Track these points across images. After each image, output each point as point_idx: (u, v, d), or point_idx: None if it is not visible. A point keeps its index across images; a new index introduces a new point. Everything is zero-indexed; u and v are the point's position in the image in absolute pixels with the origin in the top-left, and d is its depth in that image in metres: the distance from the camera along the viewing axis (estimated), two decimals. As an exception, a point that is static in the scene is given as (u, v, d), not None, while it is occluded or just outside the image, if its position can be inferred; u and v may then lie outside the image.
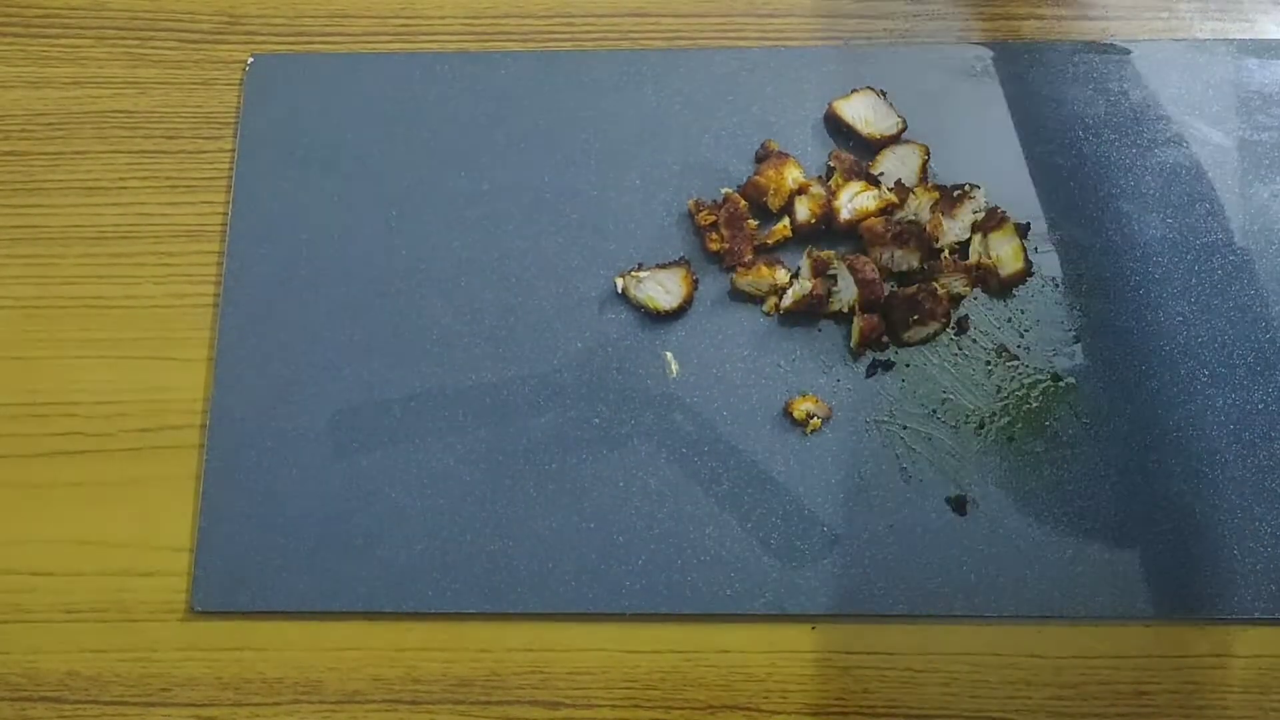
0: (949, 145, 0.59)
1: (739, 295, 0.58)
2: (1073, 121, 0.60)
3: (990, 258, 0.57)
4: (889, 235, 0.56)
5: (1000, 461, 0.55)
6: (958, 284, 0.56)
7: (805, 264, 0.57)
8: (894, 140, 0.59)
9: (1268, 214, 0.58)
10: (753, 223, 0.58)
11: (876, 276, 0.55)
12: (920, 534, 0.54)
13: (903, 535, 0.54)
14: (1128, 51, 0.61)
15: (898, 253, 0.56)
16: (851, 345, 0.56)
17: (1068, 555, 0.53)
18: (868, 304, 0.56)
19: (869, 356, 0.56)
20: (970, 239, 0.57)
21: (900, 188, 0.58)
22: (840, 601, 0.53)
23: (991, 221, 0.57)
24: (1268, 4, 0.62)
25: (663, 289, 0.57)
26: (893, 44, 0.62)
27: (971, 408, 0.56)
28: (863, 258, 0.56)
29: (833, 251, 0.57)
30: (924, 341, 0.56)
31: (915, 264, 0.57)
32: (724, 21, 0.63)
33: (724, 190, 0.58)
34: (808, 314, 0.57)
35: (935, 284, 0.56)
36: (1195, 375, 0.56)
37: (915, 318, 0.55)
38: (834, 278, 0.56)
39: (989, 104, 0.60)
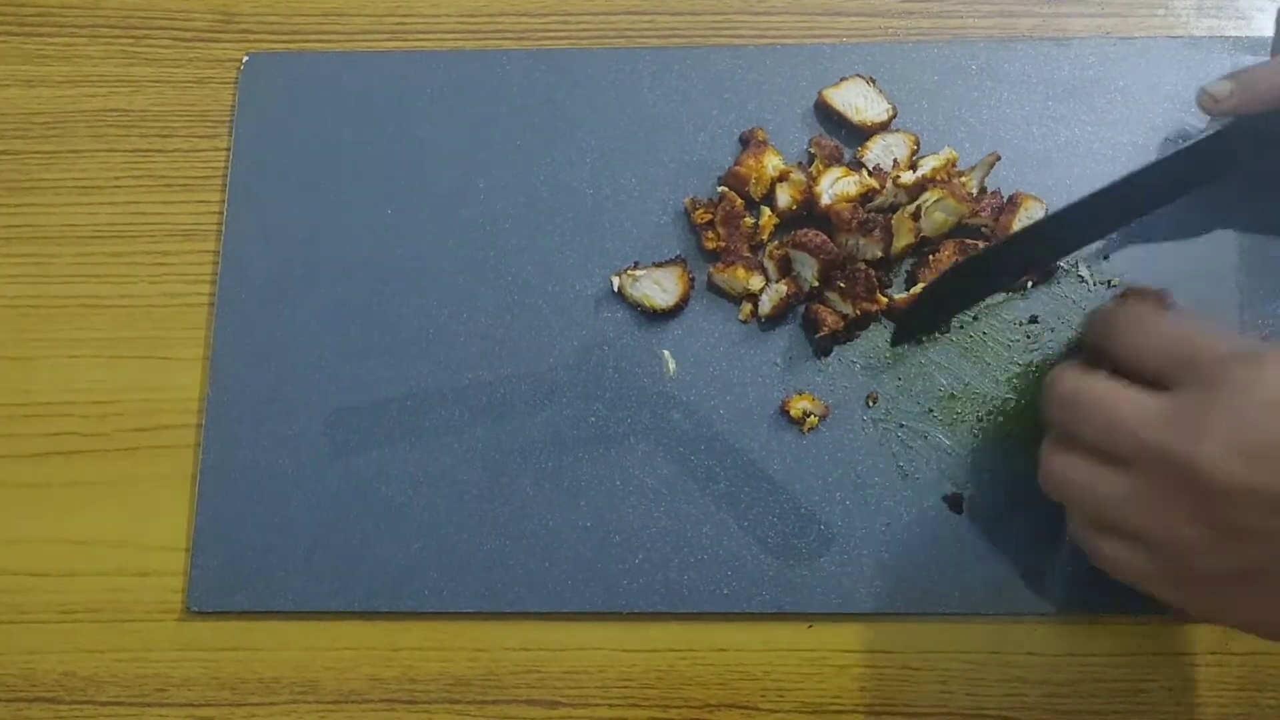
0: (944, 143, 0.59)
1: (714, 289, 0.57)
2: (1069, 119, 0.60)
3: (924, 216, 0.56)
4: (854, 223, 0.55)
5: (997, 459, 0.55)
6: (867, 247, 0.55)
7: (770, 265, 0.57)
8: (884, 128, 0.59)
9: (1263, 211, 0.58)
10: (749, 220, 0.58)
11: (823, 239, 0.55)
12: (917, 532, 0.54)
13: (900, 534, 0.54)
14: (1124, 49, 0.61)
15: (862, 240, 0.55)
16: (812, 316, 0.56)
17: (1064, 553, 0.53)
18: (826, 264, 0.55)
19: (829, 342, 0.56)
20: (923, 201, 0.56)
21: (880, 172, 0.58)
22: (837, 600, 0.53)
23: (943, 179, 0.56)
24: (1263, 1, 0.62)
25: (659, 287, 0.57)
26: (888, 41, 0.62)
27: (968, 405, 0.56)
28: (806, 230, 0.55)
29: (774, 242, 0.57)
30: (861, 322, 0.56)
31: (878, 254, 0.56)
32: (720, 19, 0.63)
33: (720, 189, 0.58)
34: (791, 311, 0.57)
35: (840, 246, 0.55)
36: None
37: (842, 285, 0.55)
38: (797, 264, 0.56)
39: (984, 102, 0.60)
